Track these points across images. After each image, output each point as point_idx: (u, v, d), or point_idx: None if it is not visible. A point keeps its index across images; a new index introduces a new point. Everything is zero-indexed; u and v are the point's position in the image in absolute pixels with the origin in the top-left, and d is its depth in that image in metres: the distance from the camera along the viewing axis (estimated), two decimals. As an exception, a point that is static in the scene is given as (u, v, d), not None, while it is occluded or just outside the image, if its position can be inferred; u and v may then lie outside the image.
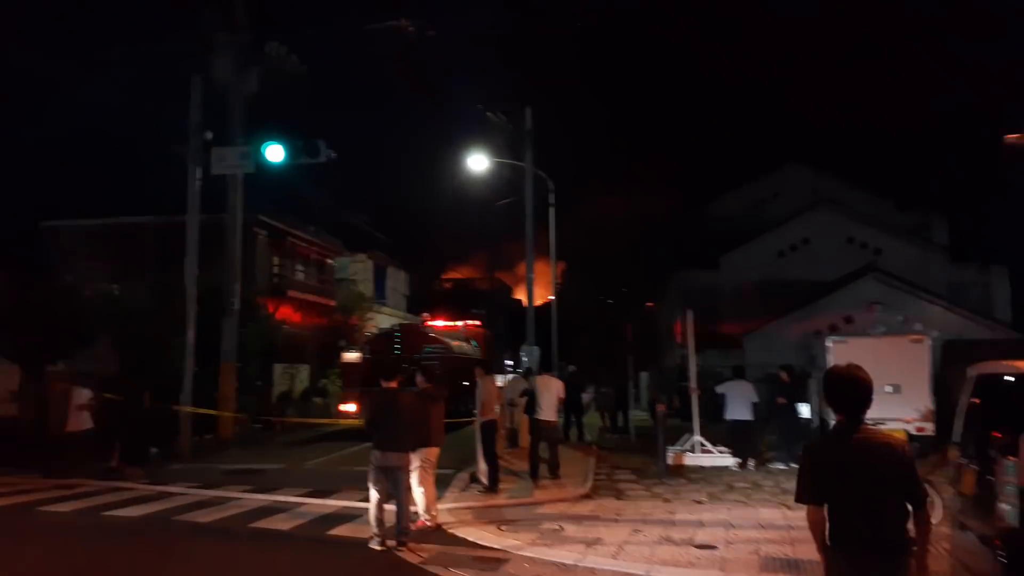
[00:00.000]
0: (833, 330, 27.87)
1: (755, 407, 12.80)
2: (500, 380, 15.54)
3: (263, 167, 16.00)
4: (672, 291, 36.50)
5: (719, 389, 13.16)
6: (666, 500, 10.09)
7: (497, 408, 11.47)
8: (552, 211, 25.23)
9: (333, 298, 28.02)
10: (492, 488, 10.64)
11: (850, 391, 3.42)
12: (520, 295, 59.40)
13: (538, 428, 11.93)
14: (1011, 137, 12.46)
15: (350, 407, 18.97)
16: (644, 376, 21.14)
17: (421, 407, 8.33)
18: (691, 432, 13.76)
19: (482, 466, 11.03)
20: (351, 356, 19.08)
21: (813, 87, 64.76)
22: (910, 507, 3.16)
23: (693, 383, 13.55)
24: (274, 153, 15.48)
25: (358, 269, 31.63)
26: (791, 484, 4.01)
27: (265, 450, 16.27)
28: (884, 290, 28.08)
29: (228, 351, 16.80)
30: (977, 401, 5.73)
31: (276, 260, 25.08)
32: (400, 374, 8.42)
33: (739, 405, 12.66)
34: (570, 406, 16.77)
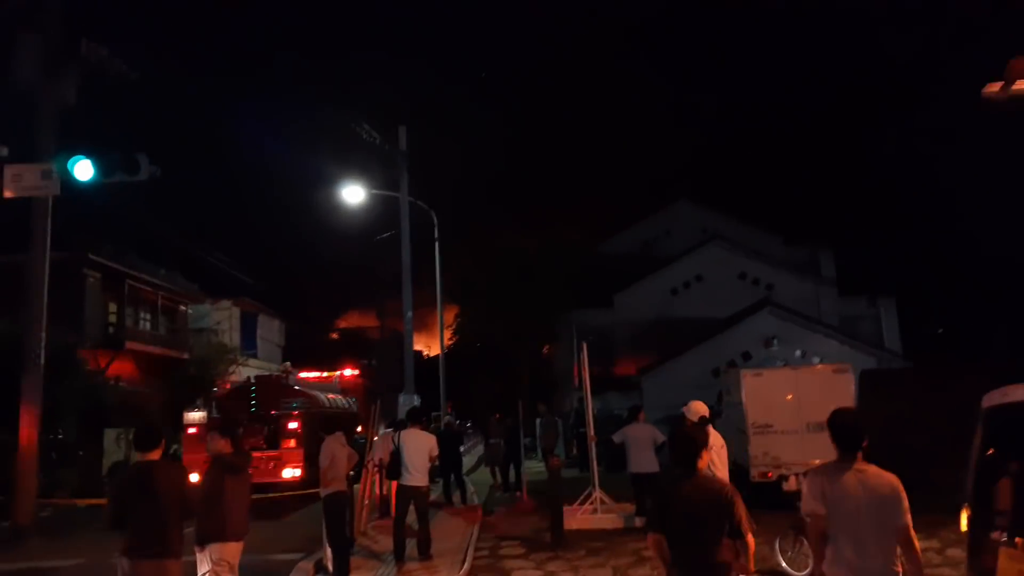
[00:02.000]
0: (731, 366, 27.15)
1: (659, 451, 10.85)
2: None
3: (78, 190, 13.27)
4: (568, 332, 35.00)
5: (616, 437, 11.17)
6: (562, 583, 7.93)
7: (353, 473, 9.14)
8: (437, 246, 23.19)
9: (187, 350, 24.71)
10: (339, 579, 8.22)
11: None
12: (418, 345, 56.42)
13: (404, 495, 9.56)
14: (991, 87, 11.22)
15: (191, 478, 15.90)
16: (538, 423, 19.08)
17: (213, 484, 5.89)
18: (591, 486, 11.79)
19: (328, 551, 8.62)
20: (194, 417, 16.13)
21: (700, 122, 65.96)
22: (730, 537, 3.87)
23: (590, 429, 11.53)
24: (82, 170, 12.79)
25: (222, 317, 28.43)
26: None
27: (76, 539, 13.06)
28: (780, 324, 27.48)
29: (27, 413, 13.64)
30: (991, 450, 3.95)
31: (112, 307, 21.74)
32: (160, 441, 5.69)
33: (642, 453, 10.69)
34: (447, 464, 14.47)
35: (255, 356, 29.84)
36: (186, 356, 24.33)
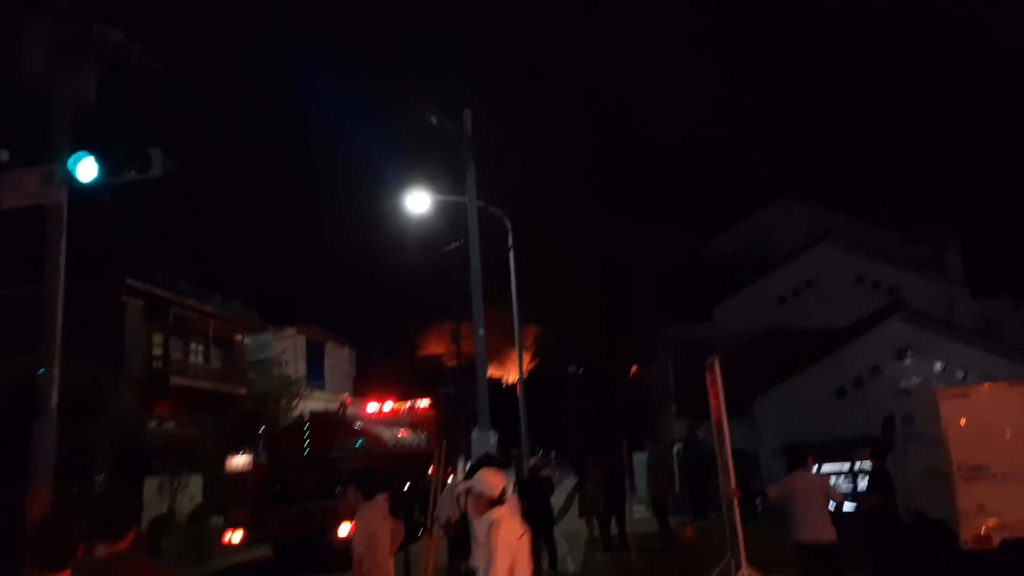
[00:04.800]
0: (858, 385, 23.46)
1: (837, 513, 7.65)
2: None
3: (125, 212, 11.18)
4: (662, 350, 31.72)
5: (776, 490, 8.01)
6: None
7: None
8: (512, 255, 20.47)
9: (244, 384, 22.64)
10: None
11: None
12: (496, 372, 53.52)
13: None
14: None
15: (236, 535, 13.55)
16: (640, 457, 15.95)
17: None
18: (728, 552, 8.71)
19: None
20: (239, 461, 13.76)
21: (799, 114, 61.62)
22: None
23: (732, 478, 8.39)
24: (85, 169, 10.58)
25: (286, 347, 26.42)
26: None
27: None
28: (914, 333, 23.52)
29: (40, 467, 11.38)
30: None
31: (158, 338, 19.81)
32: (127, 529, 3.87)
33: (812, 513, 7.50)
34: (535, 522, 11.53)
35: (322, 388, 27.74)
36: (243, 391, 22.28)
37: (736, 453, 15.99)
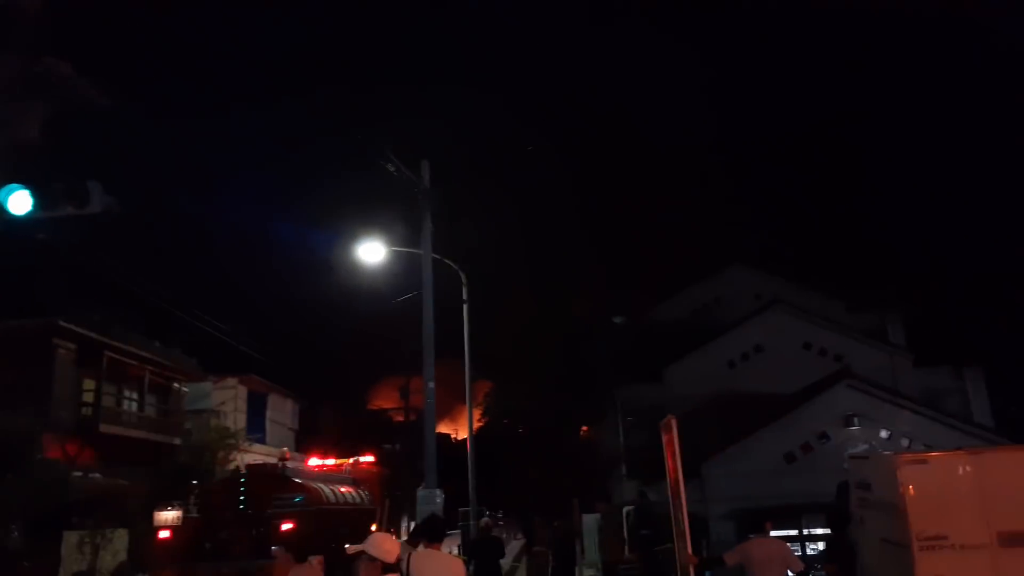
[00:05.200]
0: (807, 450, 23.53)
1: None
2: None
3: (60, 255, 10.70)
4: (612, 411, 31.49)
5: (733, 557, 7.69)
6: None
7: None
8: (466, 309, 20.15)
9: (179, 434, 21.60)
10: None
11: None
12: (446, 428, 52.37)
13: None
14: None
15: (162, 597, 12.67)
16: (592, 519, 15.48)
17: None
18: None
19: None
20: (167, 516, 12.95)
21: (747, 184, 63.12)
22: None
23: (687, 543, 8.06)
24: (18, 202, 10.07)
25: (227, 397, 25.43)
26: None
27: None
28: (861, 400, 23.71)
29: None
30: None
31: (90, 384, 18.83)
32: None
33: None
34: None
35: (262, 441, 26.70)
36: (178, 441, 21.23)
37: (688, 517, 15.69)
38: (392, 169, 12.37)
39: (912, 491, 8.16)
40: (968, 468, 8.17)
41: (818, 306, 32.77)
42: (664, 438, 9.37)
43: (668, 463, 9.21)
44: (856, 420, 23.13)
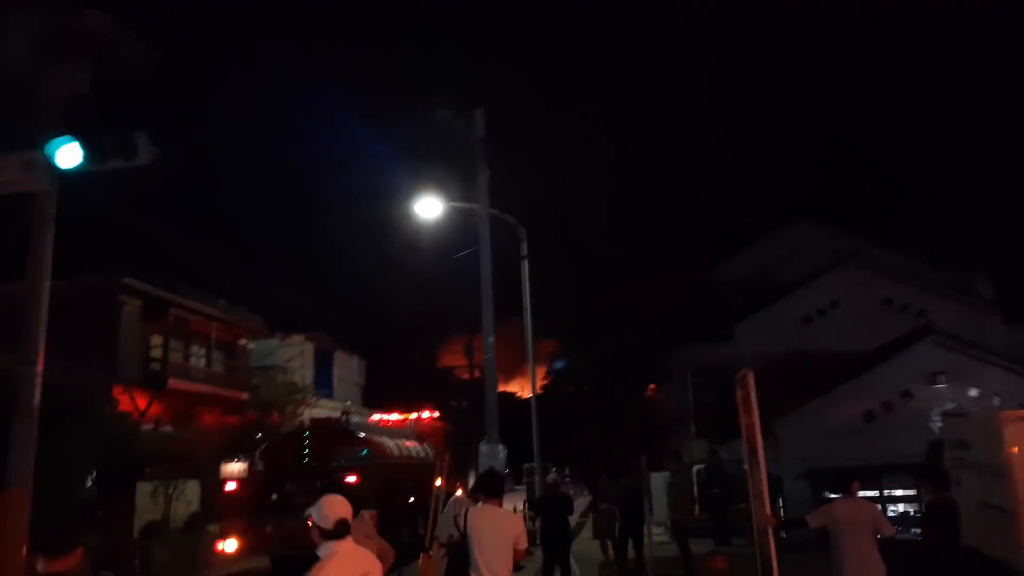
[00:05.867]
0: (887, 409, 22.48)
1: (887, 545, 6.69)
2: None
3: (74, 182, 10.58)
4: (679, 371, 30.75)
5: (817, 518, 7.06)
6: None
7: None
8: (525, 264, 19.68)
9: (247, 389, 21.91)
10: None
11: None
12: (512, 387, 52.27)
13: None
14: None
15: (230, 544, 12.79)
16: (660, 478, 14.96)
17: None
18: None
19: None
20: (232, 468, 13.03)
21: (822, 132, 60.48)
22: None
23: (766, 504, 7.49)
24: (67, 155, 10.00)
25: (293, 354, 25.71)
26: None
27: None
28: (946, 357, 22.47)
29: (17, 468, 10.70)
30: None
31: (157, 340, 19.15)
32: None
33: (859, 546, 6.57)
34: (553, 543, 10.67)
35: (330, 397, 26.98)
36: (245, 396, 21.56)
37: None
38: (447, 116, 11.85)
39: (1019, 451, 7.40)
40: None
41: (899, 261, 31.28)
42: (739, 394, 8.75)
43: (743, 420, 8.59)
44: (942, 377, 21.97)
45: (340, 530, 3.92)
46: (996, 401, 21.12)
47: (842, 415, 21.68)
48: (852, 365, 24.03)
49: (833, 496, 7.46)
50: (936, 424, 21.66)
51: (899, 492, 20.66)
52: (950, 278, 31.04)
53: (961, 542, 6.76)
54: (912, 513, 19.78)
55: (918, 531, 11.50)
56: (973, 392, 21.71)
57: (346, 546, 3.96)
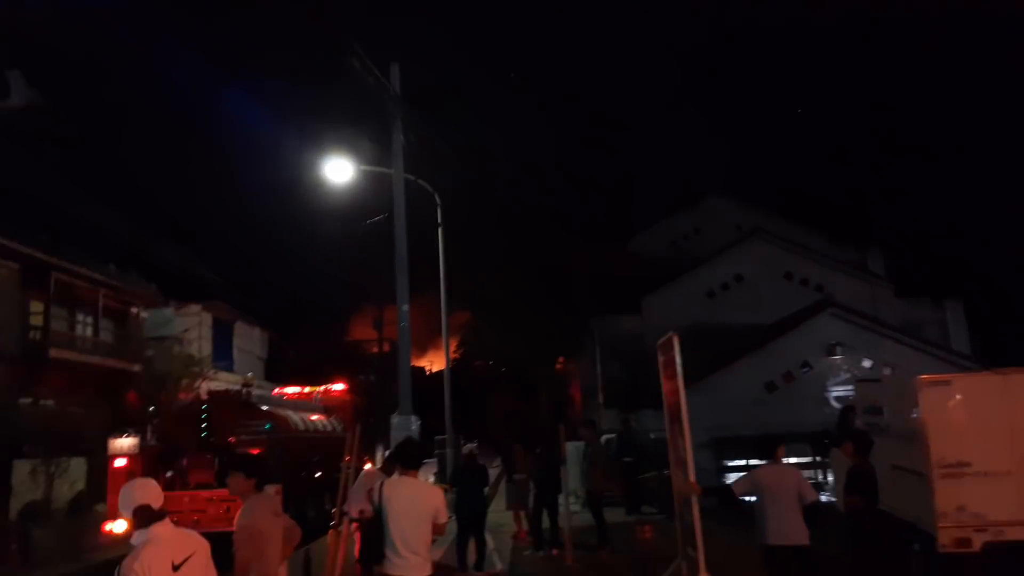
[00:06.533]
0: (788, 380, 23.23)
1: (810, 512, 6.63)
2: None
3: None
4: (588, 343, 30.99)
5: (742, 486, 6.96)
6: None
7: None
8: (440, 232, 19.18)
9: (139, 361, 20.56)
10: None
11: None
12: (421, 362, 51.51)
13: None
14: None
15: (118, 525, 11.88)
16: (572, 447, 14.84)
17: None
18: (679, 555, 7.77)
19: None
20: (122, 444, 12.10)
21: (727, 109, 61.64)
22: None
23: (689, 471, 7.36)
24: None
25: (190, 324, 24.37)
26: None
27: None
28: (844, 329, 23.34)
29: None
30: None
31: (37, 307, 17.64)
32: None
33: (784, 513, 6.49)
34: (467, 515, 10.36)
35: (230, 370, 25.78)
36: (138, 368, 20.23)
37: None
38: (358, 65, 11.13)
39: (933, 415, 7.51)
40: (995, 389, 7.51)
41: (799, 237, 32.42)
42: (661, 359, 8.63)
43: (666, 386, 8.47)
44: (839, 349, 22.83)
45: (143, 517, 3.50)
46: (887, 371, 22.11)
47: (745, 386, 22.21)
48: (754, 337, 24.67)
49: (755, 463, 7.39)
50: (833, 394, 22.58)
51: (794, 460, 21.43)
52: (845, 254, 32.46)
53: (878, 505, 6.79)
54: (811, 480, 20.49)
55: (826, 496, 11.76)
56: (867, 363, 22.67)
57: (164, 531, 3.60)
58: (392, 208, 15.34)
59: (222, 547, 5.00)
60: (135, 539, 3.54)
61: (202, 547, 3.76)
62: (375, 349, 44.61)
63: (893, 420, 8.35)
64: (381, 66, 12.72)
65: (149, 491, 3.60)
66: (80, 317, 19.52)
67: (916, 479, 7.67)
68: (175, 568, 3.50)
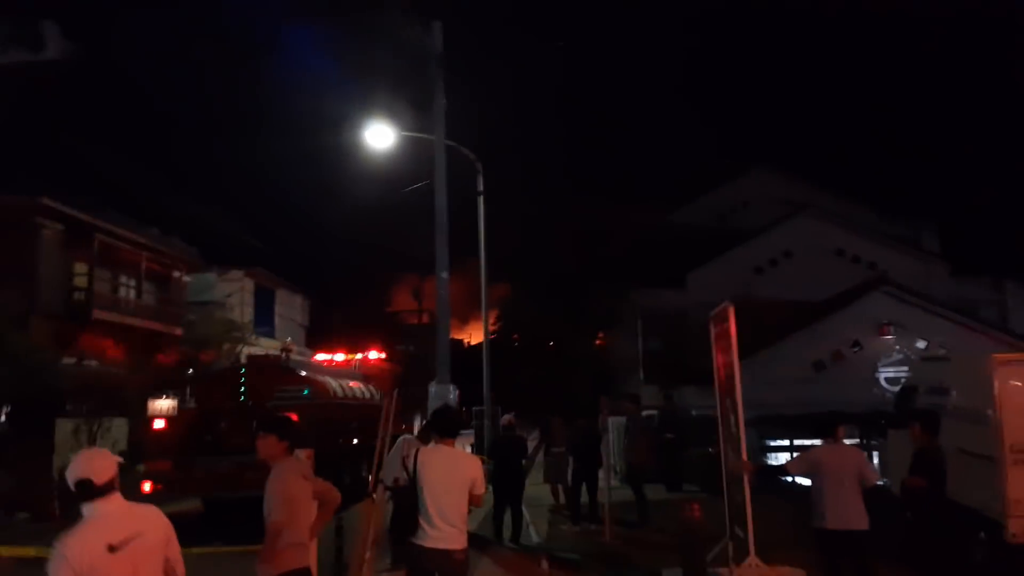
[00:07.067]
0: (837, 359, 22.60)
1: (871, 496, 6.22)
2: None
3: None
4: (629, 317, 30.49)
5: (798, 465, 6.59)
6: None
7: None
8: (481, 201, 18.84)
9: (180, 324, 20.68)
10: None
11: None
12: (460, 334, 51.46)
13: (423, 566, 5.15)
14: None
15: (147, 486, 11.95)
16: (613, 422, 14.51)
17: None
18: (727, 534, 7.43)
19: None
20: (160, 406, 12.08)
21: (777, 84, 60.03)
22: None
23: (742, 448, 6.98)
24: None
25: (232, 290, 24.48)
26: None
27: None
28: (896, 308, 22.61)
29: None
30: None
31: (81, 268, 17.76)
32: None
33: (843, 495, 6.08)
34: (505, 489, 10.11)
35: (270, 336, 25.91)
36: (179, 331, 20.35)
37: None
38: (400, 27, 10.75)
39: (1007, 395, 7.00)
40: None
41: (850, 213, 31.42)
42: (715, 330, 8.21)
43: (718, 359, 8.06)
44: (891, 328, 22.11)
45: (84, 492, 3.17)
46: (942, 352, 21.32)
47: (792, 364, 21.67)
48: (802, 314, 24.01)
49: (812, 443, 6.97)
50: (884, 375, 21.86)
51: (848, 442, 20.88)
52: (898, 231, 31.37)
53: (945, 489, 6.32)
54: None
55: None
56: (920, 343, 21.91)
57: (110, 507, 3.24)
58: (433, 175, 15.03)
59: (255, 511, 4.80)
60: (83, 513, 3.20)
61: (153, 528, 3.43)
62: (414, 320, 44.74)
63: (960, 400, 7.84)
64: (424, 22, 12.35)
65: (93, 464, 3.24)
66: (123, 279, 19.67)
67: (985, 464, 7.18)
68: (111, 550, 3.14)
